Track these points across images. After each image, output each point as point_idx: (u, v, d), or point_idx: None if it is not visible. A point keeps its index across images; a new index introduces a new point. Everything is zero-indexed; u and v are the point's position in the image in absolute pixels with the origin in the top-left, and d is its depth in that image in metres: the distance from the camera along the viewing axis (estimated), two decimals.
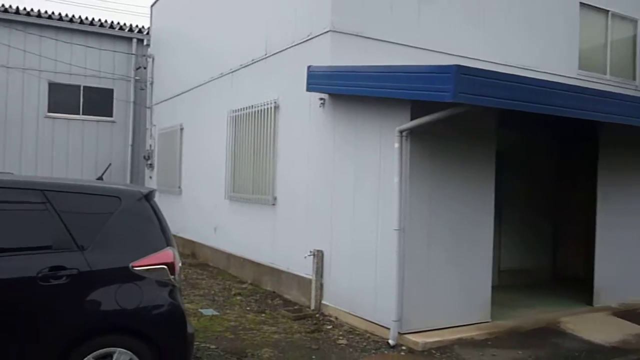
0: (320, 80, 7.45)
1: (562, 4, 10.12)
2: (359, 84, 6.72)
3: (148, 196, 4.53)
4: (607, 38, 10.87)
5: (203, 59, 12.19)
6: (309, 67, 7.65)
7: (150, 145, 15.52)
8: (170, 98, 14.15)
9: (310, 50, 8.06)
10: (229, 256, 10.56)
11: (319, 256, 7.70)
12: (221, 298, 8.57)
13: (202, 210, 11.88)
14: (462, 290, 6.81)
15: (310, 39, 8.07)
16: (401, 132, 6.31)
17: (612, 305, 8.20)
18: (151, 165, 15.39)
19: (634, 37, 11.32)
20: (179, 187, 13.19)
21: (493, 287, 7.21)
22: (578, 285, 9.11)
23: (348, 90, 6.96)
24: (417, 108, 6.19)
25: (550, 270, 10.32)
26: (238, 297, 8.59)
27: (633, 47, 11.34)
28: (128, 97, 16.70)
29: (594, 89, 7.02)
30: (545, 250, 10.27)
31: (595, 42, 10.72)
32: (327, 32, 7.64)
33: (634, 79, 11.34)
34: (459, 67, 5.24)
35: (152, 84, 15.83)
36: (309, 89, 7.66)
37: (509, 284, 9.30)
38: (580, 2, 10.32)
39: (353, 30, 7.75)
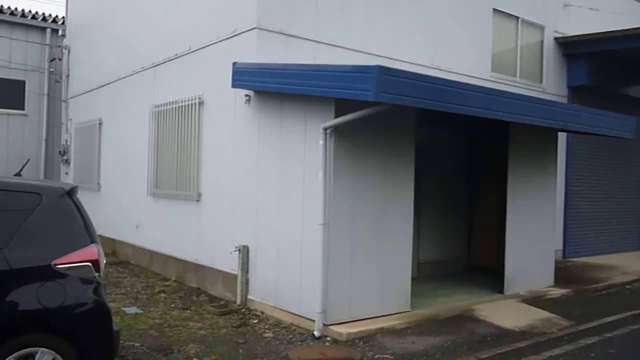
0: (246, 76, 7.49)
1: (477, 9, 10.66)
2: (284, 81, 6.82)
3: (70, 192, 4.44)
4: (517, 43, 11.55)
5: (124, 51, 11.87)
6: (234, 63, 7.67)
7: (66, 140, 14.92)
8: (88, 91, 13.67)
9: (235, 47, 8.07)
10: (152, 253, 10.38)
11: (244, 251, 7.75)
12: (144, 296, 8.44)
13: (122, 207, 11.58)
14: (383, 282, 7.09)
15: (235, 35, 8.08)
16: (325, 129, 6.48)
17: (521, 293, 8.78)
18: (67, 161, 14.80)
19: (542, 42, 12.10)
20: (98, 184, 12.79)
21: (413, 278, 7.56)
22: (491, 274, 9.67)
23: (274, 87, 7.05)
24: (341, 106, 6.38)
25: (465, 261, 10.88)
26: (162, 295, 8.49)
27: (540, 51, 12.11)
28: (42, 89, 15.94)
29: (505, 91, 7.48)
30: (460, 243, 10.81)
31: (506, 46, 11.37)
32: (253, 29, 7.69)
33: (541, 81, 12.12)
34: (381, 68, 5.46)
35: (67, 76, 15.20)
36: (234, 86, 7.68)
37: (427, 275, 9.74)
38: (494, 8, 10.91)
39: (279, 27, 7.84)
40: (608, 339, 6.87)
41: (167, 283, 9.29)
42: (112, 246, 11.93)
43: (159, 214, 10.18)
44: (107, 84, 12.58)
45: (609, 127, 8.66)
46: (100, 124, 12.83)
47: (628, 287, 10.14)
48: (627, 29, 11.71)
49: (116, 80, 12.10)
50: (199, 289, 8.80)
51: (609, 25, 12.48)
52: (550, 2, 12.23)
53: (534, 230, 9.20)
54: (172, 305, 7.87)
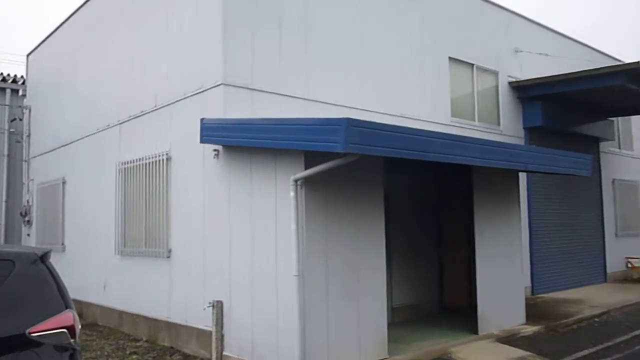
0: (214, 132, 7.58)
1: (435, 58, 11.10)
2: (253, 135, 6.93)
3: (43, 258, 4.37)
4: (474, 88, 12.03)
5: (87, 109, 11.85)
6: (202, 119, 7.76)
7: (28, 201, 14.61)
8: (51, 150, 13.51)
9: (202, 102, 8.18)
10: (121, 313, 10.13)
11: (218, 307, 7.65)
12: (115, 359, 8.20)
13: (89, 267, 11.33)
14: (361, 330, 7.08)
15: (202, 91, 8.20)
16: (296, 181, 6.58)
17: (495, 332, 8.87)
18: (29, 222, 14.45)
19: (497, 87, 12.62)
20: (62, 244, 12.50)
21: (388, 324, 7.58)
22: (463, 314, 9.76)
23: (242, 141, 7.14)
24: (311, 158, 6.51)
25: (438, 303, 10.96)
26: (134, 356, 8.26)
27: (496, 96, 12.61)
28: (1, 150, 15.67)
29: (467, 137, 7.75)
30: (432, 285, 10.91)
31: (464, 91, 11.82)
32: (219, 85, 7.83)
33: (499, 124, 12.58)
34: (349, 120, 5.63)
35: (29, 136, 15.02)
36: (202, 141, 7.75)
37: (402, 319, 9.77)
38: (449, 57, 11.38)
39: (244, 83, 8.00)
40: None
41: (138, 344, 9.05)
42: (79, 308, 11.51)
43: (128, 272, 10.00)
44: (70, 143, 12.48)
45: (567, 166, 9.02)
46: (63, 182, 12.64)
47: (597, 319, 10.35)
48: (575, 72, 12.37)
49: (80, 139, 12.01)
50: (172, 348, 8.60)
51: (558, 69, 13.15)
52: (502, 49, 12.83)
53: (503, 269, 9.38)
54: None
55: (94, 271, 11.07)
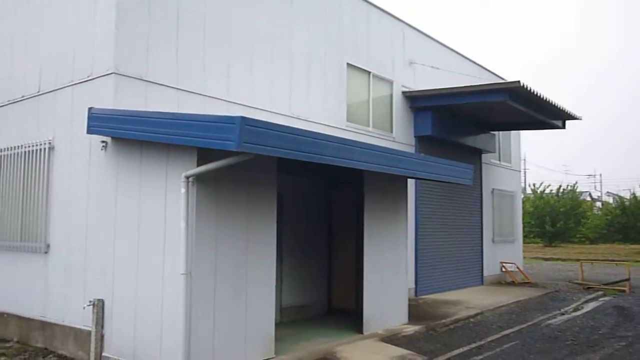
0: (103, 122, 7.23)
1: (334, 63, 11.32)
2: (145, 129, 6.68)
3: None
4: (369, 95, 12.40)
5: None
6: (90, 108, 7.39)
7: None
8: None
9: (91, 91, 7.78)
10: None
11: (99, 305, 7.31)
12: None
13: None
14: (248, 330, 7.05)
15: (91, 79, 7.80)
16: (187, 177, 6.44)
17: (379, 332, 9.18)
18: None
19: (391, 95, 13.09)
20: None
21: (276, 324, 7.61)
22: (350, 316, 10.02)
23: (133, 134, 6.86)
24: (204, 155, 6.39)
25: (326, 304, 11.17)
26: (2, 359, 7.68)
27: (390, 104, 13.09)
28: None
29: (359, 142, 7.93)
30: (321, 286, 11.11)
31: (360, 98, 12.15)
32: (110, 74, 7.48)
33: (392, 131, 13.05)
34: (243, 119, 5.59)
35: None
36: (89, 132, 7.37)
37: (290, 319, 9.86)
38: (347, 63, 11.66)
39: (138, 73, 7.70)
40: None
41: (8, 345, 8.44)
42: None
43: (0, 267, 9.28)
44: None
45: (452, 174, 9.53)
46: None
47: (472, 320, 11.02)
48: (462, 87, 13.15)
49: None
50: (46, 349, 8.09)
51: (449, 82, 13.90)
52: (397, 59, 13.33)
53: (389, 272, 9.73)
54: None
55: None
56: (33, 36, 9.11)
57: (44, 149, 8.45)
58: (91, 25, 7.93)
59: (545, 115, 14.29)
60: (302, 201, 10.52)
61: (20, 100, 9.15)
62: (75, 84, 8.07)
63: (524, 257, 20.91)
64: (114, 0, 7.54)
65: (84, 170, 7.85)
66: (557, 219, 43.52)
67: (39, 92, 8.77)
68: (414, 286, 13.32)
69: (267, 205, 7.46)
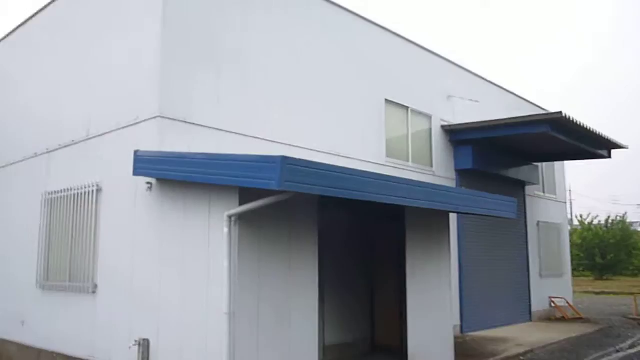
0: (148, 164, 7.44)
1: (372, 99, 11.41)
2: (188, 170, 6.84)
3: None
4: (408, 130, 12.40)
5: (15, 136, 11.38)
6: (136, 151, 7.61)
7: None
8: None
9: (136, 134, 8.03)
10: (40, 352, 9.56)
11: (144, 345, 7.37)
12: None
13: (7, 302, 10.70)
14: None
15: (137, 123, 8.06)
16: (230, 217, 6.52)
17: None
18: None
19: (430, 130, 13.06)
20: None
21: None
22: (395, 354, 9.82)
23: (177, 175, 7.03)
24: (245, 194, 6.48)
25: (370, 342, 10.98)
26: None
27: (429, 138, 13.05)
28: None
29: (401, 178, 7.91)
30: (364, 324, 10.94)
31: (399, 133, 12.17)
32: (155, 117, 7.73)
33: (431, 165, 12.98)
34: (284, 158, 5.66)
35: None
36: (135, 174, 7.58)
37: (333, 358, 9.71)
38: (385, 99, 11.73)
39: (181, 116, 7.93)
40: None
41: None
42: None
43: (49, 307, 9.50)
44: None
45: (494, 208, 9.36)
46: None
47: (522, 358, 10.66)
48: (502, 119, 13.03)
49: (5, 166, 11.49)
50: None
51: (488, 114, 13.80)
52: (436, 94, 13.35)
53: (433, 309, 9.54)
54: None
55: (12, 305, 10.46)
56: (82, 83, 9.51)
57: (92, 191, 8.71)
58: (137, 71, 8.25)
59: (589, 145, 13.97)
60: (343, 238, 10.48)
61: (70, 145, 9.50)
62: (122, 128, 8.35)
63: (574, 292, 20.19)
64: (159, 47, 7.85)
65: (129, 211, 8.04)
66: (607, 251, 41.96)
67: (87, 136, 9.11)
68: (459, 323, 13.00)
69: (309, 243, 7.47)
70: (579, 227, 46.01)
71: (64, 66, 10.10)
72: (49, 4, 10.73)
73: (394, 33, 12.33)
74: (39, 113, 10.63)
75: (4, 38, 12.30)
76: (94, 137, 8.94)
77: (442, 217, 9.91)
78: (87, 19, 9.69)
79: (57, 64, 10.33)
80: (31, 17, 11.35)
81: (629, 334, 13.74)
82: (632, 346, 12.16)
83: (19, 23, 11.70)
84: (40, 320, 9.69)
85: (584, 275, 42.43)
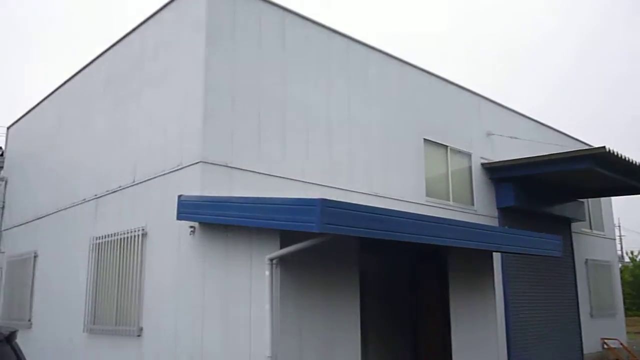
0: (191, 209, 7.62)
1: (411, 140, 11.45)
2: (229, 213, 6.98)
3: (9, 338, 4.27)
4: (447, 169, 12.35)
5: (64, 183, 11.84)
6: (179, 196, 7.82)
7: None
8: (24, 223, 13.33)
9: (180, 179, 8.26)
10: None
11: None
12: None
13: (56, 345, 10.92)
14: None
15: (180, 168, 8.30)
16: (271, 260, 6.59)
17: None
18: None
19: (470, 168, 12.97)
20: (29, 321, 12.10)
21: None
22: None
23: (219, 219, 7.18)
24: (286, 237, 6.56)
25: None
26: None
27: (469, 176, 12.94)
28: None
29: (440, 218, 7.88)
30: None
31: (438, 172, 12.12)
32: (198, 162, 7.95)
33: (472, 204, 12.83)
34: (324, 201, 5.74)
35: (3, 208, 14.84)
36: (179, 218, 7.77)
37: None
38: (424, 138, 11.75)
39: (223, 161, 8.14)
40: None
41: None
42: None
43: (96, 351, 9.66)
44: (44, 216, 12.36)
45: (538, 247, 9.17)
46: (35, 256, 12.41)
47: None
48: (543, 155, 12.82)
49: (54, 212, 11.92)
50: None
51: (528, 151, 13.62)
52: (475, 132, 13.30)
53: (479, 351, 9.30)
54: None
55: (61, 350, 10.67)
56: (129, 132, 9.89)
57: (138, 235, 8.93)
58: (181, 119, 8.53)
59: (636, 179, 13.59)
60: (385, 278, 10.40)
61: (117, 191, 9.82)
62: (166, 173, 8.60)
63: (628, 332, 19.32)
64: (201, 94, 8.13)
65: (173, 254, 8.21)
66: None
67: (133, 182, 9.41)
68: None
69: (350, 285, 7.46)
70: (630, 264, 44.27)
71: (111, 118, 10.53)
72: (101, 55, 11.28)
73: (431, 73, 12.43)
74: (88, 161, 11.05)
75: (59, 87, 12.93)
76: (140, 182, 9.23)
77: (485, 257, 9.75)
78: (137, 69, 10.12)
79: (104, 117, 10.78)
80: (84, 68, 11.94)
81: None
82: None
83: (74, 73, 12.31)
84: None
85: (637, 315, 40.56)
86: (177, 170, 8.37)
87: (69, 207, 11.34)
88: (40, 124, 13.85)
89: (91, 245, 10.10)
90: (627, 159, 12.06)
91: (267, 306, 6.49)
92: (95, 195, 10.47)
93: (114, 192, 9.91)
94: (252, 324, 6.79)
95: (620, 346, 16.55)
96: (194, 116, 8.23)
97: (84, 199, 10.82)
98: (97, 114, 11.07)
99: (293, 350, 6.65)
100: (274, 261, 6.60)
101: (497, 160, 13.47)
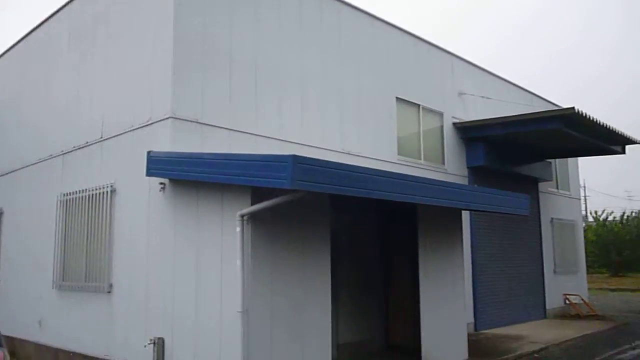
0: (161, 165, 7.51)
1: (383, 98, 11.41)
2: (200, 170, 6.91)
3: None
4: (419, 128, 12.38)
5: (30, 139, 11.54)
6: (149, 152, 7.69)
7: None
8: None
9: (149, 135, 8.11)
10: (57, 352, 9.70)
11: (159, 344, 7.46)
12: None
13: (24, 302, 10.85)
14: None
15: (150, 124, 8.14)
16: (242, 216, 6.58)
17: None
18: None
19: (441, 127, 13.03)
20: None
21: None
22: (408, 352, 9.82)
23: (189, 175, 7.10)
24: (258, 193, 6.53)
25: (383, 340, 10.99)
26: None
27: (441, 135, 13.02)
28: None
29: (412, 176, 7.93)
30: (378, 323, 10.95)
31: (410, 131, 12.15)
32: (168, 118, 7.80)
33: (443, 163, 12.95)
34: (296, 157, 5.70)
35: None
36: (149, 174, 7.66)
37: (347, 357, 9.73)
38: (396, 97, 11.72)
39: (193, 117, 8.00)
40: None
41: None
42: (11, 345, 10.99)
43: (66, 307, 9.63)
44: (10, 172, 12.07)
45: (507, 205, 9.34)
46: (1, 213, 12.17)
47: (537, 355, 10.61)
48: (514, 115, 12.96)
49: (20, 169, 11.65)
50: None
51: (500, 111, 13.73)
52: (447, 91, 13.31)
53: (447, 307, 9.53)
54: None
55: (30, 306, 10.61)
56: (96, 86, 9.62)
57: (107, 192, 8.81)
58: (150, 74, 8.32)
59: (603, 140, 13.86)
60: (356, 236, 10.49)
61: (85, 146, 9.62)
62: (135, 129, 8.43)
63: (589, 289, 20.03)
64: (171, 49, 7.91)
65: (143, 211, 8.13)
66: (622, 248, 41.54)
67: (101, 138, 9.21)
68: (473, 321, 12.96)
69: (321, 242, 7.50)
70: (594, 224, 45.61)
71: (79, 72, 10.21)
72: (66, 4, 10.84)
73: (404, 31, 12.32)
74: (55, 116, 10.76)
75: (22, 39, 12.44)
76: (108, 138, 9.04)
77: (454, 215, 9.90)
78: (103, 23, 9.78)
79: (72, 71, 10.45)
80: (47, 20, 11.49)
81: None
82: None
83: (37, 24, 11.83)
84: (57, 321, 9.82)
85: (599, 272, 42.03)
86: (147, 125, 8.21)
87: (36, 163, 11.09)
88: (4, 78, 13.37)
89: (59, 202, 9.94)
90: (595, 120, 12.26)
91: (238, 262, 6.50)
92: (62, 151, 10.24)
93: (82, 148, 9.70)
94: (224, 280, 6.81)
95: (581, 301, 17.19)
96: (163, 71, 8.03)
97: (51, 155, 10.58)
98: (63, 69, 10.73)
99: (264, 305, 6.71)
100: (245, 218, 6.59)
101: (469, 119, 13.56)
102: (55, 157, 10.45)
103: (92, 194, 9.12)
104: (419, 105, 12.36)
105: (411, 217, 9.25)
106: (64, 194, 9.86)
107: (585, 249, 20.93)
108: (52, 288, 9.91)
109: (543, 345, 11.23)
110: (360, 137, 10.73)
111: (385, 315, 11.14)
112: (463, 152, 13.59)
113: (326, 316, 7.46)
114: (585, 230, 29.82)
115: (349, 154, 10.21)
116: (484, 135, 13.41)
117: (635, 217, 45.30)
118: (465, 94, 13.76)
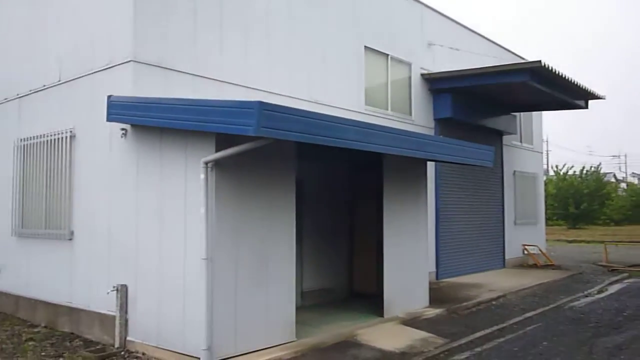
0: (122, 110, 7.29)
1: (351, 46, 11.23)
2: (163, 115, 6.72)
3: None
4: (387, 78, 12.29)
5: None
6: (109, 96, 7.45)
7: None
8: None
9: (110, 79, 7.84)
10: (18, 299, 9.60)
11: (122, 291, 7.43)
12: (10, 346, 7.77)
13: None
14: (268, 314, 7.11)
15: (110, 67, 7.85)
16: (206, 163, 6.47)
17: (400, 315, 9.18)
18: None
19: (409, 78, 12.96)
20: None
21: (297, 308, 7.66)
22: (371, 299, 10.04)
23: (152, 121, 6.91)
24: (222, 140, 6.41)
25: (347, 288, 11.20)
26: (30, 343, 7.86)
27: (409, 86, 12.96)
28: None
29: (378, 125, 7.90)
30: (342, 270, 11.13)
31: (378, 81, 12.05)
32: (129, 61, 7.52)
33: (410, 114, 12.95)
34: (261, 103, 5.58)
35: None
36: (109, 119, 7.44)
37: (311, 303, 9.92)
38: (365, 46, 11.55)
39: (156, 61, 7.74)
40: (478, 353, 7.39)
41: (36, 330, 8.63)
42: None
43: (26, 255, 9.47)
44: None
45: (472, 157, 9.43)
46: None
47: (494, 302, 10.97)
48: (482, 67, 12.96)
49: None
50: (72, 333, 8.26)
51: (468, 63, 13.70)
52: (416, 41, 13.18)
53: (410, 255, 9.71)
54: (43, 354, 7.32)
55: None
56: (52, 25, 9.19)
57: (66, 137, 8.55)
58: (110, 13, 7.97)
59: (567, 95, 14.04)
60: (322, 186, 10.51)
61: (42, 90, 9.26)
62: (95, 72, 8.13)
63: (547, 240, 20.70)
64: None
65: (105, 157, 7.94)
66: (580, 201, 42.93)
67: (59, 81, 8.87)
68: (435, 270, 13.28)
69: (286, 190, 7.47)
70: (554, 177, 46.81)
71: (35, 12, 9.72)
72: None
73: None
74: (9, 58, 10.29)
75: None
76: (67, 81, 8.71)
77: (419, 166, 9.97)
78: None
79: (26, 10, 9.94)
80: None
81: (598, 280, 14.19)
82: (600, 291, 12.58)
83: None
84: (18, 268, 9.67)
85: (557, 224, 43.47)
86: (107, 69, 7.92)
87: None
88: None
89: (16, 147, 9.63)
90: (561, 74, 12.37)
91: (202, 209, 6.43)
92: (18, 94, 9.85)
93: (38, 91, 9.34)
94: (187, 227, 6.75)
95: (539, 252, 17.77)
96: (123, 10, 7.68)
97: (6, 98, 10.18)
98: (15, 4, 10.19)
99: (229, 252, 6.70)
100: (210, 165, 6.48)
101: (437, 71, 13.51)
102: (11, 100, 10.06)
103: (51, 140, 8.84)
104: (387, 55, 12.23)
105: (378, 168, 9.27)
106: (21, 139, 9.54)
107: (545, 201, 21.51)
108: (12, 235, 9.71)
109: (501, 293, 11.62)
110: (328, 86, 10.60)
111: (349, 264, 11.32)
112: (430, 104, 13.60)
113: (290, 263, 7.51)
114: (545, 184, 30.59)
115: (316, 102, 10.09)
116: (452, 87, 13.41)
117: (594, 171, 46.62)
118: (434, 44, 13.66)
